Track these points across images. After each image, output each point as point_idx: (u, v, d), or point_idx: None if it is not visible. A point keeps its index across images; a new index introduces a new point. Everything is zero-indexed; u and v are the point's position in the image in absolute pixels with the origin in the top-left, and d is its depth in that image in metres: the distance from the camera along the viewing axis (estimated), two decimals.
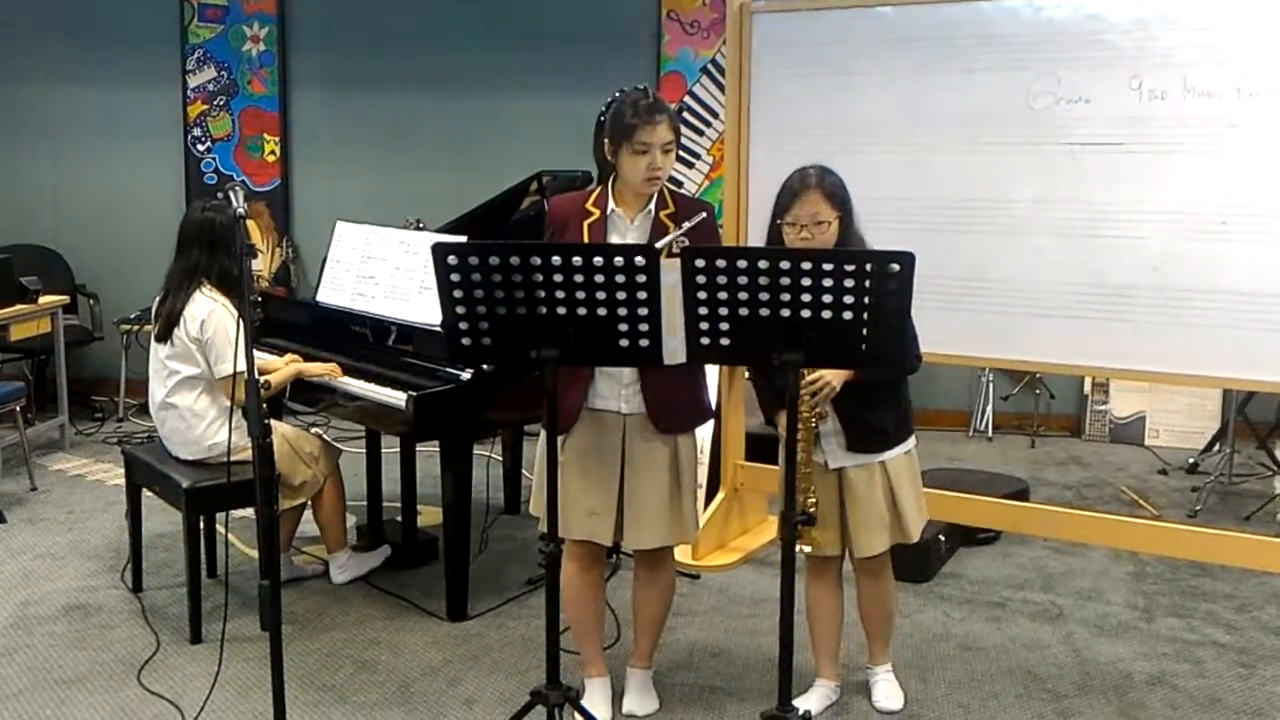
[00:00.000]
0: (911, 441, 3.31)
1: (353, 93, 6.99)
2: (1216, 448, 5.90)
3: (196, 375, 3.97)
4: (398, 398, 3.91)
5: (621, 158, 3.11)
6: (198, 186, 7.08)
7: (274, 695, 2.82)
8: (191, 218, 4.06)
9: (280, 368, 4.19)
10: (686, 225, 3.09)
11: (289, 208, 7.17)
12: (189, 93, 7.09)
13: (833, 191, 3.08)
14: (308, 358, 4.30)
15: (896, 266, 2.54)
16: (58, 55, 7.09)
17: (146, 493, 4.23)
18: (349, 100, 7.01)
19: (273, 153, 7.11)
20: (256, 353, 4.26)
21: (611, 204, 3.18)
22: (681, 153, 3.48)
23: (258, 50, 7.02)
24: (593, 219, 3.17)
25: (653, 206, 3.17)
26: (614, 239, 3.17)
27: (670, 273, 2.67)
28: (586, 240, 3.13)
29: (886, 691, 3.51)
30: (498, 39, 6.82)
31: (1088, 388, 6.66)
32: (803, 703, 3.36)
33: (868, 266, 2.54)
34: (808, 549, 3.17)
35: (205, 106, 7.09)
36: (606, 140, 3.15)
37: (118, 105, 7.11)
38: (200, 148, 7.12)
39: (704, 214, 3.16)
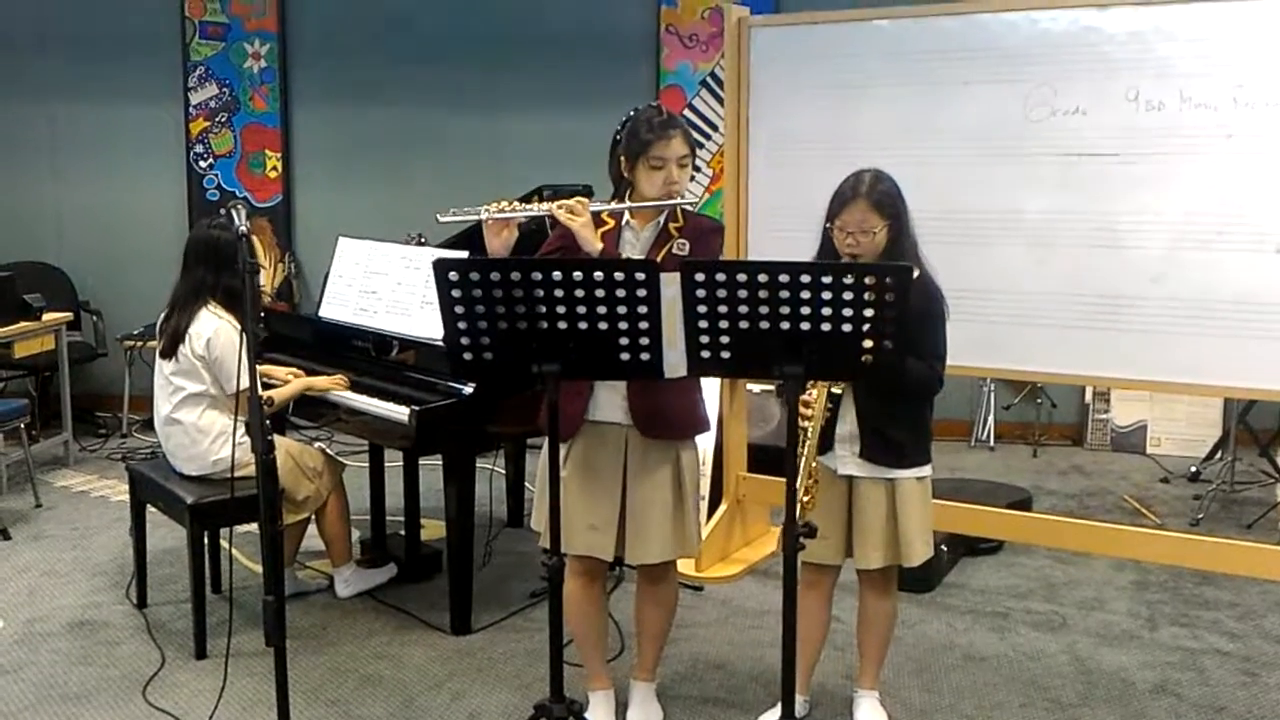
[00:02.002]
0: (926, 470, 3.26)
1: (354, 109, 7.03)
2: (1218, 456, 5.91)
3: (201, 392, 3.99)
4: (400, 412, 3.92)
5: (638, 174, 3.15)
6: (200, 203, 7.11)
7: (279, 710, 2.83)
8: (198, 236, 4.09)
9: (285, 378, 4.21)
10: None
11: (291, 223, 7.20)
12: (191, 109, 7.12)
13: (880, 200, 3.08)
14: (311, 372, 4.32)
15: (894, 280, 2.56)
16: (60, 72, 7.13)
17: (150, 509, 4.25)
18: (350, 116, 7.04)
19: (275, 169, 7.14)
20: (271, 364, 4.34)
21: (626, 216, 3.23)
22: None
23: (259, 67, 7.06)
24: (607, 228, 3.21)
25: (662, 218, 3.22)
26: (626, 250, 3.22)
27: (670, 286, 2.69)
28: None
29: (869, 713, 3.46)
30: (497, 54, 6.86)
31: (1089, 397, 6.67)
32: (769, 717, 3.35)
33: (866, 279, 2.56)
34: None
35: (207, 123, 7.12)
36: (623, 157, 3.19)
37: (120, 122, 7.15)
38: (202, 164, 7.16)
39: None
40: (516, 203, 3.16)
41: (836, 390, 3.10)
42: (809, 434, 3.03)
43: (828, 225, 3.14)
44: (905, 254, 3.11)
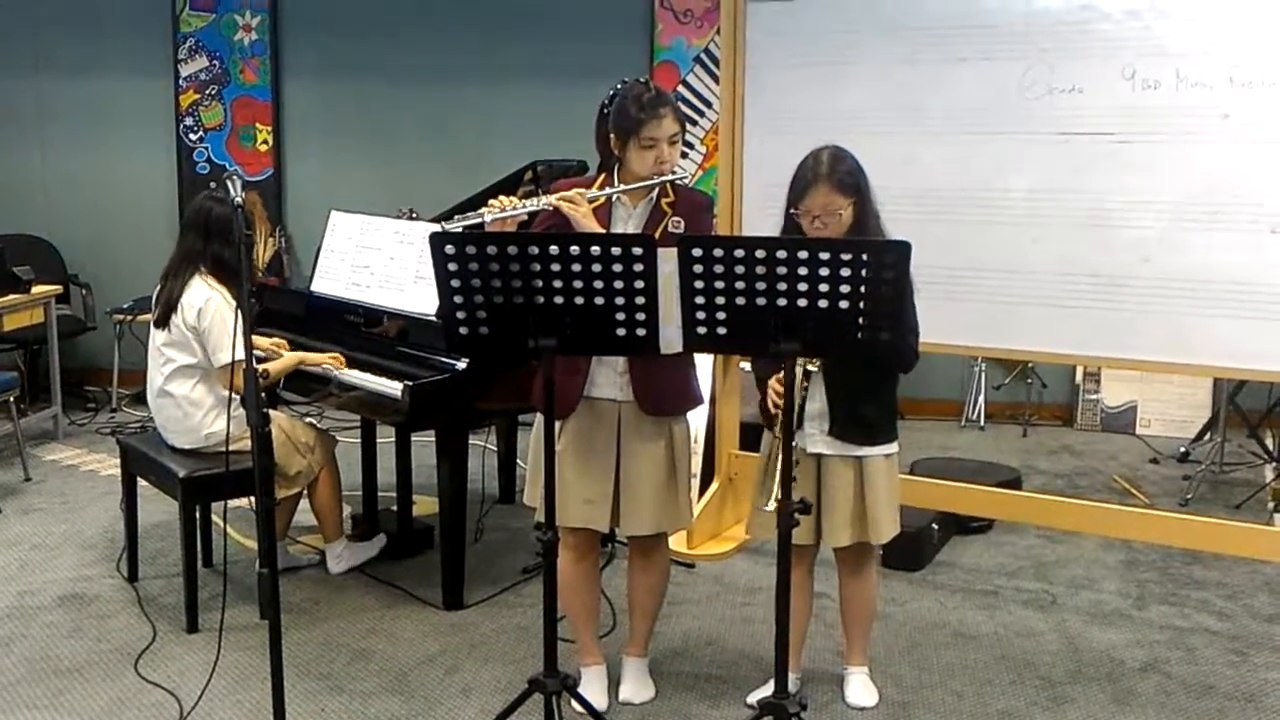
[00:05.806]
0: (894, 447, 3.26)
1: (345, 82, 6.98)
2: (1207, 437, 5.93)
3: (194, 364, 3.97)
4: (393, 387, 3.91)
5: (628, 152, 3.13)
6: (190, 176, 7.06)
7: (273, 684, 2.83)
8: (193, 204, 4.12)
9: (270, 348, 4.20)
10: None
11: (281, 197, 7.16)
12: (181, 82, 7.07)
13: (843, 180, 3.06)
14: (303, 347, 4.30)
15: (893, 256, 2.56)
16: (49, 44, 7.06)
17: (141, 482, 4.23)
18: (342, 90, 7.00)
19: (265, 142, 7.09)
20: (257, 335, 4.31)
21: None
22: None
23: (250, 39, 7.01)
24: (598, 204, 3.19)
25: (654, 194, 3.20)
26: (617, 226, 3.20)
27: (667, 262, 2.69)
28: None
29: (859, 689, 3.48)
30: (491, 27, 6.82)
31: (1079, 377, 6.69)
32: (759, 694, 3.35)
33: (864, 256, 2.56)
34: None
35: (197, 96, 7.07)
36: (611, 134, 3.16)
37: (110, 94, 7.09)
38: (192, 137, 7.11)
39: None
40: (516, 199, 3.15)
41: (812, 368, 3.09)
42: (779, 416, 3.04)
43: (791, 211, 3.11)
44: (870, 229, 3.09)
